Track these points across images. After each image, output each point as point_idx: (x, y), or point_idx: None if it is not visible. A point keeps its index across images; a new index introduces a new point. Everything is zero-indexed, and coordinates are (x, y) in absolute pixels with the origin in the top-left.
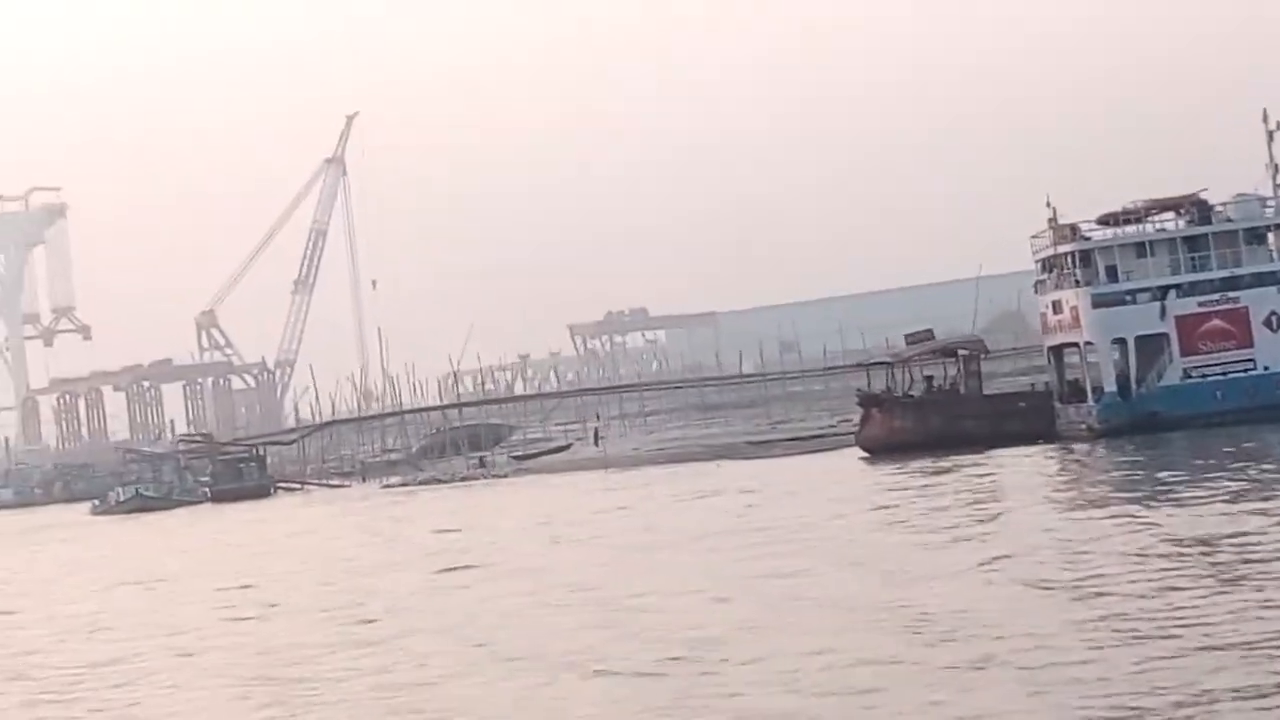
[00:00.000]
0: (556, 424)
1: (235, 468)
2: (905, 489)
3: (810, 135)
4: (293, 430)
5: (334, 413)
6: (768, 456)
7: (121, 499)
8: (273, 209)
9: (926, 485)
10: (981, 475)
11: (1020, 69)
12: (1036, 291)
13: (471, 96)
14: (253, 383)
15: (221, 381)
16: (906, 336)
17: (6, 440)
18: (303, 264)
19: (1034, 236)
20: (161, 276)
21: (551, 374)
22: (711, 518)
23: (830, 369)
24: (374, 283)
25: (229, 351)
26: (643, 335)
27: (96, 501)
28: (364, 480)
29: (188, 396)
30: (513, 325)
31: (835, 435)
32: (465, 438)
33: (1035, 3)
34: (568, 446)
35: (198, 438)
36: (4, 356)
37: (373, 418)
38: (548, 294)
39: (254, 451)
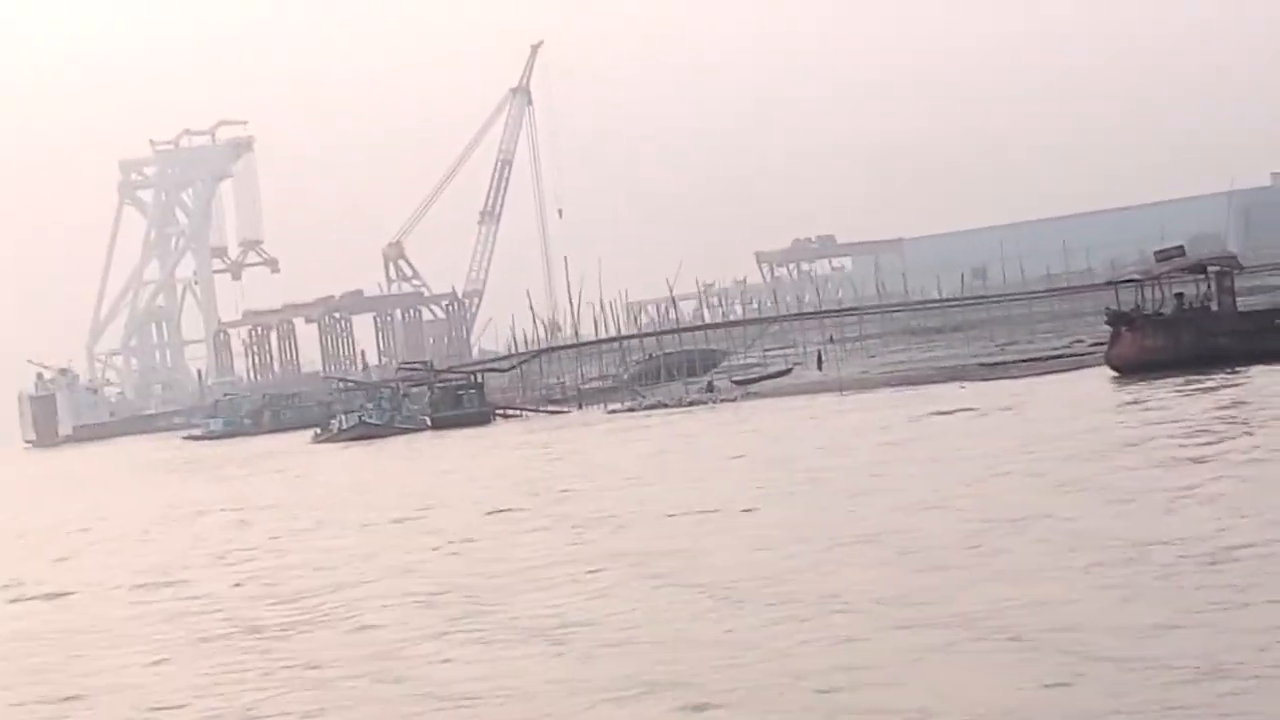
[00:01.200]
0: (766, 349)
1: (454, 395)
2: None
3: (1004, 61)
4: (509, 356)
5: (522, 344)
6: (1005, 378)
7: (345, 426)
8: (459, 140)
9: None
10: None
11: None
12: None
13: (656, 24)
14: (442, 314)
15: (411, 312)
16: (1156, 254)
17: (200, 372)
18: (489, 194)
19: None
20: (348, 209)
21: (737, 302)
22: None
23: (1060, 290)
24: (560, 211)
25: (416, 283)
26: (829, 263)
27: (318, 429)
28: (580, 407)
29: (378, 327)
30: (698, 253)
31: (1071, 356)
32: (679, 363)
33: None
34: (789, 370)
35: (417, 365)
36: (193, 290)
37: (589, 344)
38: (734, 222)
39: (472, 378)
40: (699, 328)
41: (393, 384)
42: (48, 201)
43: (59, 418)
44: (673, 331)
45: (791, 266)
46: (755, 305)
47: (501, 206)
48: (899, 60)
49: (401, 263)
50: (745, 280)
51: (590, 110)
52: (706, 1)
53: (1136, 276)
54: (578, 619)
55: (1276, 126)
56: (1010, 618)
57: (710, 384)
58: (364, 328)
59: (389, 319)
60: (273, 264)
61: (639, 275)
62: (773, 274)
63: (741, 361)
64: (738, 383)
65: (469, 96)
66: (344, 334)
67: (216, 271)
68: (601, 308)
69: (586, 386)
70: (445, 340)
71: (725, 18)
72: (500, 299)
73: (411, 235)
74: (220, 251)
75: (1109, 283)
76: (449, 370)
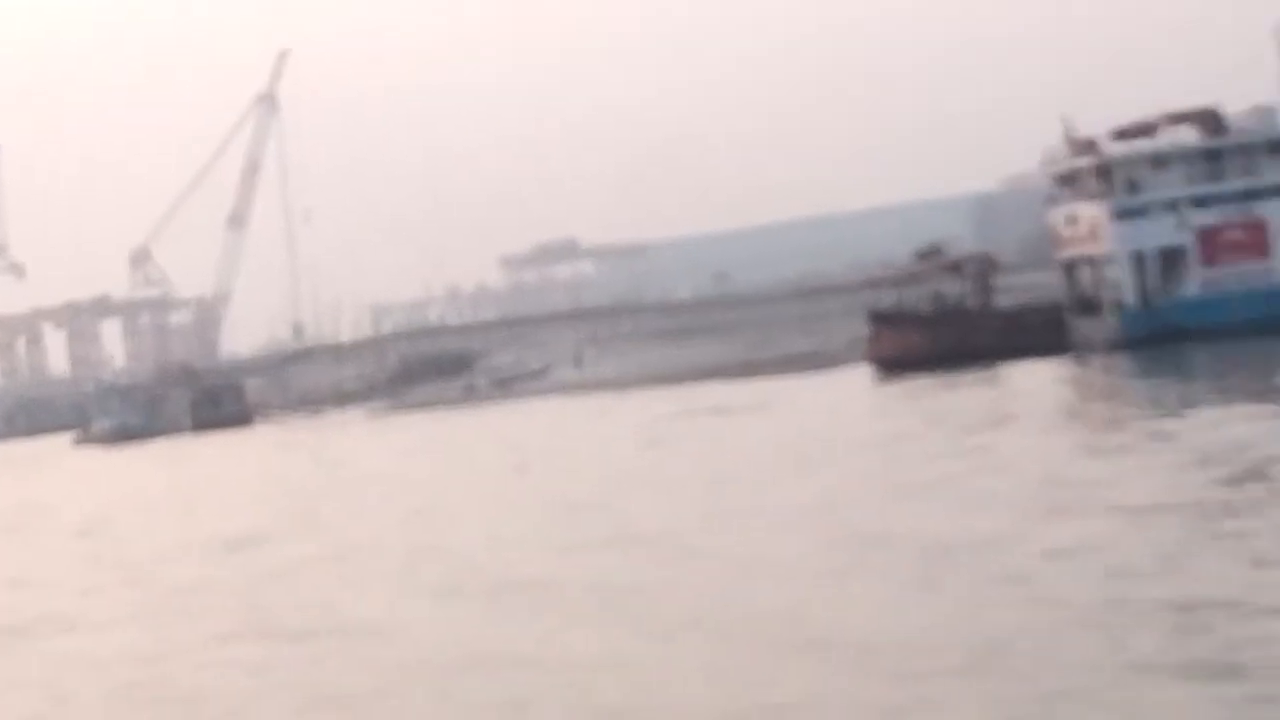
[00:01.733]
0: (522, 350)
1: (215, 397)
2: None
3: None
4: (267, 359)
5: (271, 348)
6: (762, 376)
7: (106, 428)
8: (208, 146)
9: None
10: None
11: None
12: (1050, 205)
13: (403, 34)
14: (190, 318)
15: (159, 316)
16: (916, 253)
17: None
18: (236, 199)
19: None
20: (95, 214)
21: (481, 307)
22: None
23: (817, 289)
24: (307, 215)
25: (165, 287)
26: (574, 266)
27: (79, 431)
28: (342, 407)
29: (126, 332)
30: (444, 257)
31: (826, 354)
32: (434, 365)
33: None
34: (545, 370)
35: (176, 368)
36: None
37: (347, 346)
38: (479, 226)
39: (232, 381)
40: (453, 329)
41: (150, 386)
42: None
43: None
44: (428, 333)
45: (535, 270)
46: (498, 309)
47: (249, 211)
48: (644, 64)
49: (149, 266)
50: (486, 284)
51: (337, 117)
52: (450, 6)
53: (895, 276)
54: None
55: (1005, 134)
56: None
57: (470, 384)
58: (111, 332)
59: (136, 323)
60: (18, 270)
61: (386, 278)
62: (517, 277)
63: (494, 363)
64: (496, 383)
65: (218, 102)
66: (92, 339)
67: None
68: (346, 312)
69: (346, 389)
70: (195, 344)
71: (473, 26)
72: (249, 303)
73: (160, 239)
74: None
75: (868, 281)
76: (209, 372)
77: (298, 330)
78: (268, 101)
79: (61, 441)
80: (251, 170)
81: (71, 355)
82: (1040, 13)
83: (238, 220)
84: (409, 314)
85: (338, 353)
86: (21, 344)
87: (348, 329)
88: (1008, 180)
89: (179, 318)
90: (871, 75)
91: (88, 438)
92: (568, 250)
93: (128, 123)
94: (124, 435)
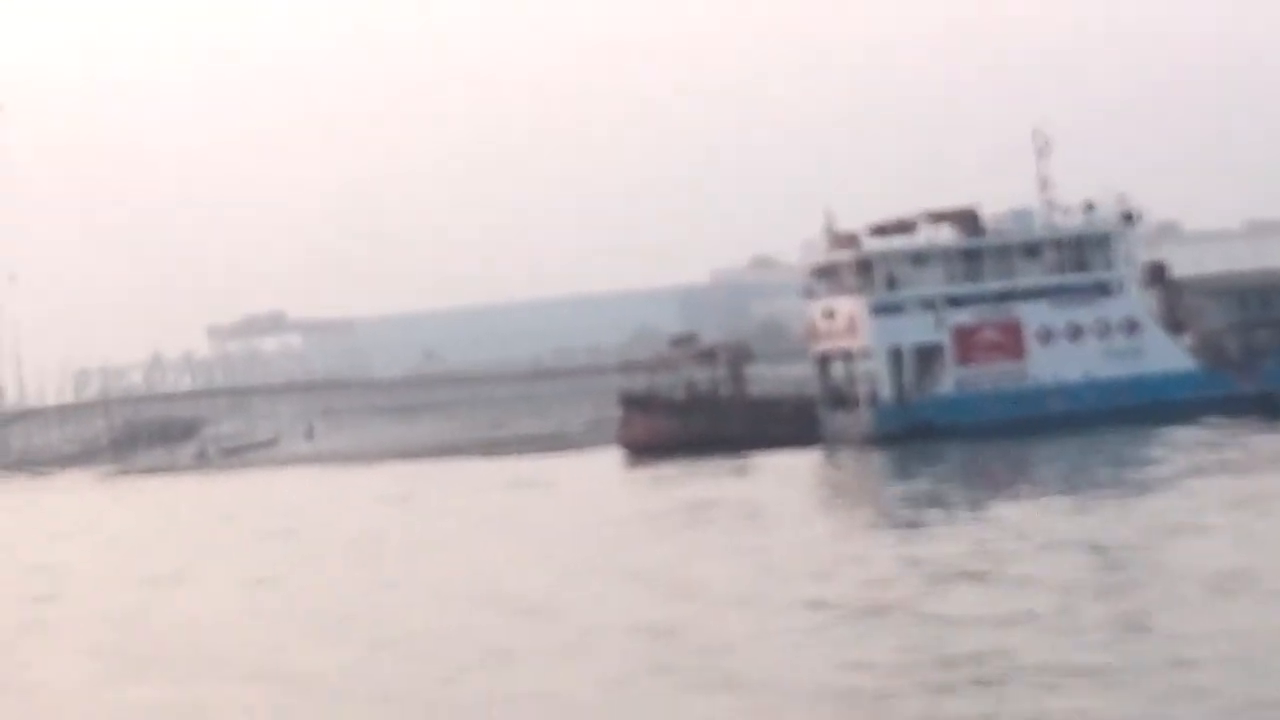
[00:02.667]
0: (244, 420)
1: None
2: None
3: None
4: None
5: None
6: (506, 455)
7: None
8: None
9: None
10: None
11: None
12: (807, 298)
13: (111, 94)
14: None
15: None
16: (670, 339)
17: None
18: None
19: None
20: None
21: (187, 375)
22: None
23: (549, 371)
24: (13, 276)
25: None
26: (281, 339)
27: None
28: (62, 470)
29: None
30: (146, 325)
31: (567, 435)
32: (157, 430)
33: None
34: (275, 440)
35: None
36: None
37: (74, 407)
38: (184, 293)
39: None
40: (181, 395)
41: None
42: None
43: None
44: (153, 399)
45: (242, 341)
46: (205, 378)
47: None
48: (355, 141)
49: None
50: (194, 354)
51: (45, 174)
52: (166, 64)
53: (648, 361)
54: None
55: (717, 226)
56: None
57: (203, 451)
58: None
59: None
60: None
61: (88, 344)
62: (224, 347)
63: (219, 430)
64: (228, 450)
65: None
66: None
67: None
68: (50, 375)
69: (66, 451)
70: None
71: (183, 89)
72: None
73: None
74: None
75: (624, 364)
76: None
77: None
78: None
79: None
80: None
81: None
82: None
83: None
84: (112, 380)
85: (61, 414)
86: None
87: (52, 393)
88: (714, 274)
89: None
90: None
91: None
92: (275, 323)
93: None
94: None
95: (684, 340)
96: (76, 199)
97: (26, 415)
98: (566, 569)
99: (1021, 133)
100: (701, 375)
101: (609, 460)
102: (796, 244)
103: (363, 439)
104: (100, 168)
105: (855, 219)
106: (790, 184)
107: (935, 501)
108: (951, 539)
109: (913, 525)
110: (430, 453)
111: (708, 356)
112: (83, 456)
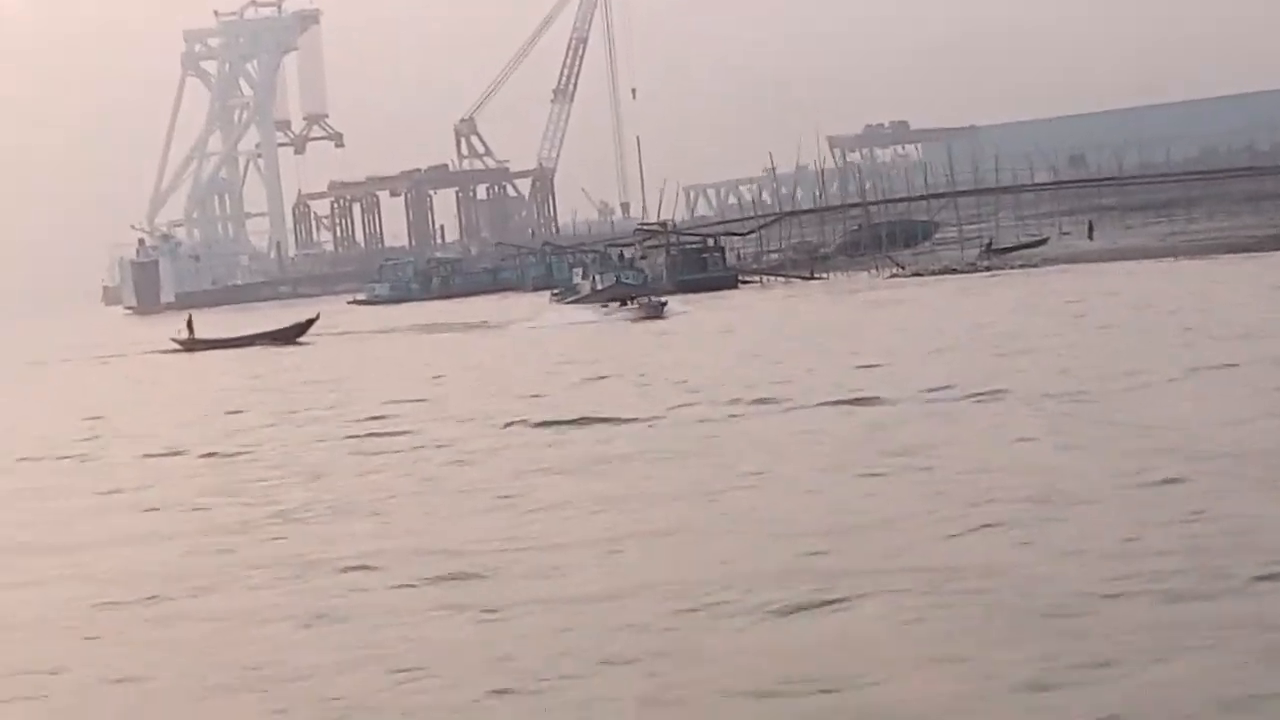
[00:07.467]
0: (969, 225)
1: (698, 258)
2: None
3: None
4: (747, 219)
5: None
6: None
7: (599, 288)
8: (532, 17)
9: None
10: None
11: None
12: None
13: None
14: (524, 191)
15: (497, 188)
16: None
17: (279, 244)
18: (562, 73)
19: None
20: (415, 85)
21: (798, 187)
22: None
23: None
24: (634, 92)
25: (488, 160)
26: (897, 149)
27: (555, 291)
28: (811, 276)
29: (459, 203)
30: (767, 137)
31: None
32: (896, 232)
33: None
34: (1044, 241)
35: (654, 226)
36: (256, 163)
37: (834, 209)
38: (803, 106)
39: (713, 242)
40: (915, 198)
41: (628, 243)
42: (111, 72)
43: (161, 285)
44: (897, 200)
45: (865, 151)
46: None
47: (575, 86)
48: None
49: (474, 139)
50: (808, 166)
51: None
52: None
53: None
54: None
55: None
56: None
57: (989, 248)
58: (442, 203)
59: (471, 194)
60: (337, 138)
61: (706, 158)
62: (845, 159)
63: (952, 235)
64: (996, 251)
65: None
66: (427, 208)
67: (280, 145)
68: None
69: (829, 252)
70: (534, 216)
71: None
72: (576, 177)
73: (483, 112)
74: (284, 125)
75: None
76: (688, 232)
77: (603, 210)
78: None
79: (536, 301)
80: (579, 43)
81: (409, 225)
82: None
83: (564, 94)
84: (724, 195)
85: (822, 218)
86: (356, 211)
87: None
88: None
89: (516, 190)
90: None
91: (573, 298)
92: (899, 132)
93: None
94: (619, 294)
95: None
96: (696, 15)
97: (792, 214)
98: None
99: None
100: None
101: None
102: None
103: (1138, 236)
104: None
105: None
106: None
107: None
108: None
109: None
110: (1231, 247)
111: None
112: (842, 261)
